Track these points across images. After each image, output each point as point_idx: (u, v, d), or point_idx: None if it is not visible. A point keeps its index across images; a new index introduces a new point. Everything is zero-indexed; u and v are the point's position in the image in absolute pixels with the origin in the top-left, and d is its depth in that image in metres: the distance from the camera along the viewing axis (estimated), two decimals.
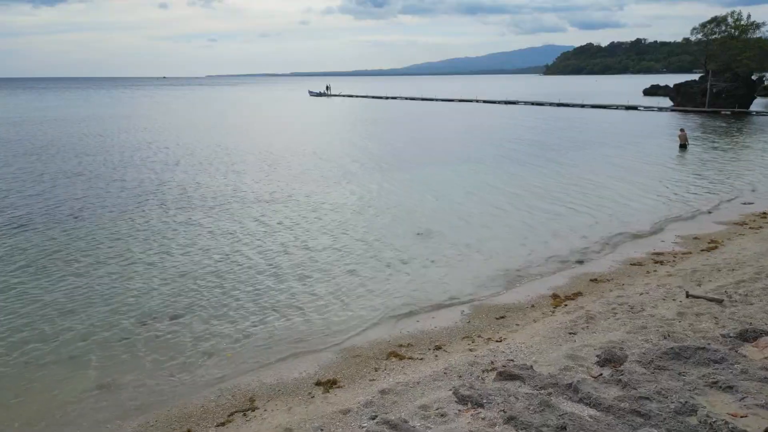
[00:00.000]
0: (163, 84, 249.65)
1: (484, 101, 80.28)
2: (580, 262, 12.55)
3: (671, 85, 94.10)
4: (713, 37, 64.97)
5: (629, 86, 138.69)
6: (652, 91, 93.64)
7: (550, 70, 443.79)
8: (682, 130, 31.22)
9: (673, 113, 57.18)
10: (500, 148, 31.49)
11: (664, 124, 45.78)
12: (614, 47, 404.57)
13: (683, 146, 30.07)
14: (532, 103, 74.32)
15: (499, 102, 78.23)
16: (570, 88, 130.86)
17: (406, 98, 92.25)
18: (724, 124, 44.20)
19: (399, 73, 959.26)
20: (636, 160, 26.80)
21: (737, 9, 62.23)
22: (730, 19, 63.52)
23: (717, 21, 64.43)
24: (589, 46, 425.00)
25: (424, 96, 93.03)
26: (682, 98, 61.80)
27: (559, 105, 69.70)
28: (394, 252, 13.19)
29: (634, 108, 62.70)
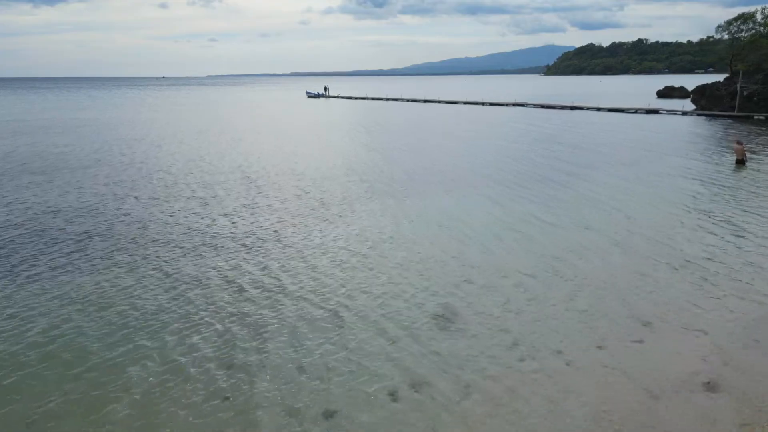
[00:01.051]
0: (163, 84, 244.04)
1: (491, 104, 75.49)
2: (707, 384, 7.75)
3: (685, 86, 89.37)
4: (740, 35, 60.02)
5: (638, 87, 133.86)
6: (666, 93, 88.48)
7: (550, 70, 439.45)
8: (739, 142, 26.34)
9: (699, 118, 52.36)
10: (525, 163, 26.69)
11: (695, 130, 40.96)
12: (615, 47, 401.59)
13: (741, 162, 25.29)
14: (542, 106, 69.49)
15: (507, 104, 73.41)
16: (576, 89, 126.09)
17: (408, 100, 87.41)
18: (767, 131, 39.39)
19: (399, 73, 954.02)
20: (694, 183, 21.92)
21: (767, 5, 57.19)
22: (759, 16, 58.67)
23: (744, 18, 59.54)
24: (591, 46, 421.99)
25: (427, 98, 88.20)
26: (708, 101, 56.95)
27: (572, 108, 64.88)
28: (396, 361, 8.39)
29: (655, 112, 57.88)
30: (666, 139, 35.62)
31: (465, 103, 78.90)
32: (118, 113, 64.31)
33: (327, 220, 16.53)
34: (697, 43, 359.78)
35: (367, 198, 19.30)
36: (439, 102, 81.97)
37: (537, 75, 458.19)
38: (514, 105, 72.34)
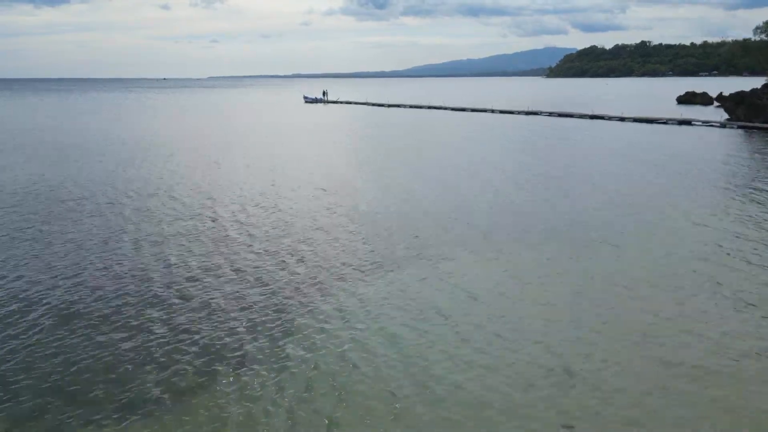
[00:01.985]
0: (163, 86, 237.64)
1: (501, 111, 69.79)
2: None
3: (708, 92, 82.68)
4: None
5: (647, 90, 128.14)
6: (687, 99, 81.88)
7: (553, 72, 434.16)
8: None
9: (741, 131, 46.72)
10: (591, 197, 20.96)
11: (754, 147, 35.26)
12: (618, 49, 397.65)
13: None
14: (559, 114, 63.76)
15: (520, 112, 67.74)
16: (584, 92, 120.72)
17: (411, 106, 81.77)
18: None
19: (400, 75, 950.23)
20: None
21: None
22: None
23: None
24: (593, 48, 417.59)
25: (432, 104, 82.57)
26: (747, 110, 51.26)
27: (593, 117, 59.16)
28: None
29: (688, 123, 52.17)
30: (722, 160, 29.88)
31: (473, 110, 73.27)
32: (124, 123, 58.66)
33: (338, 296, 10.87)
34: (700, 45, 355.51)
35: (388, 267, 13.60)
36: (445, 109, 76.41)
37: (539, 77, 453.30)
38: (527, 113, 66.77)
